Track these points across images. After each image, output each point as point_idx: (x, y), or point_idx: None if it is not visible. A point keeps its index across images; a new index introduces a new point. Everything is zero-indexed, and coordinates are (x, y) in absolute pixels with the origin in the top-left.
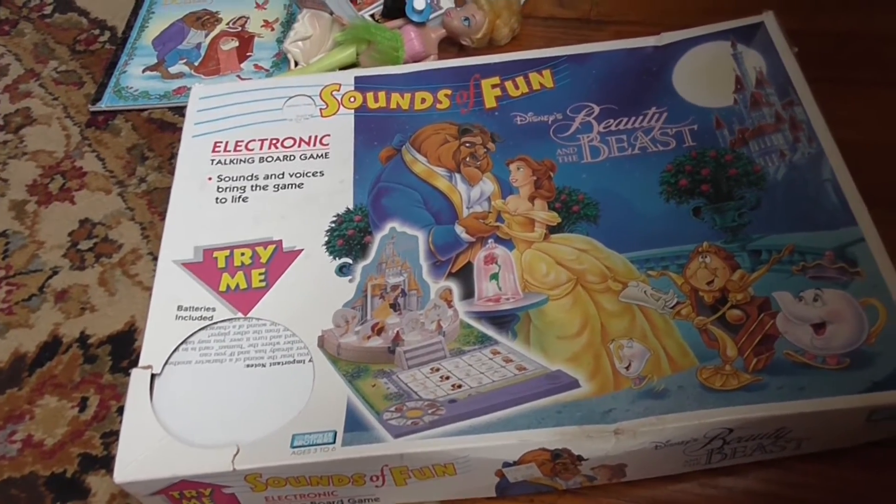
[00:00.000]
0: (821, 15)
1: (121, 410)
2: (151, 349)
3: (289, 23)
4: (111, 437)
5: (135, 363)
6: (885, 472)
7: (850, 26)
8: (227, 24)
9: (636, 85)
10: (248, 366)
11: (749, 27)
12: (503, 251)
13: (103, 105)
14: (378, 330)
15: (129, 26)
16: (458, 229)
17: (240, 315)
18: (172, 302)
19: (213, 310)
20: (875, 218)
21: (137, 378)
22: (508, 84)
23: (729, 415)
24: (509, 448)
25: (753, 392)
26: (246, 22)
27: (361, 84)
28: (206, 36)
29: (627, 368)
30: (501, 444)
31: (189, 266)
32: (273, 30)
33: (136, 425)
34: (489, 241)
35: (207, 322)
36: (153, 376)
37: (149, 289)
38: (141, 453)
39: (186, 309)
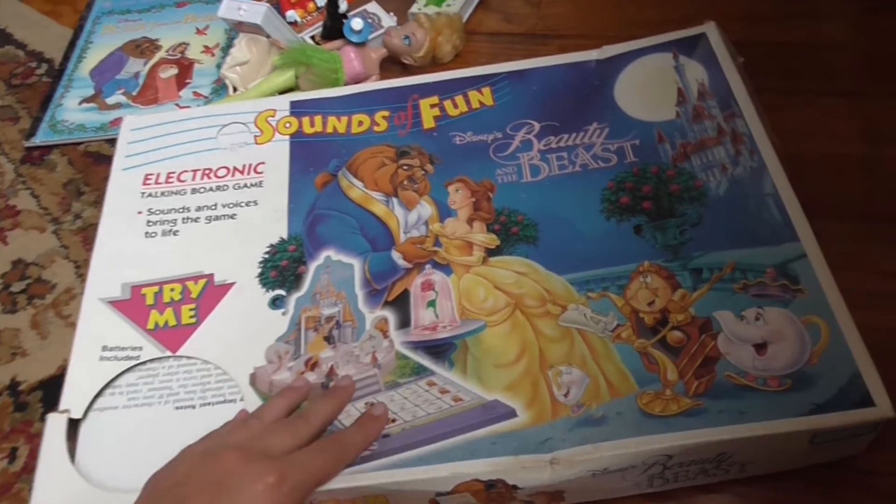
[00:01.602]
0: (765, 24)
1: None
2: (73, 393)
3: (229, 48)
4: None
5: None
6: (834, 492)
7: (795, 36)
8: (167, 51)
9: (577, 100)
10: (177, 408)
11: (691, 38)
12: (441, 277)
13: (38, 140)
14: (312, 365)
15: (66, 58)
16: (395, 255)
17: (168, 353)
18: (97, 342)
19: (141, 349)
20: (819, 228)
21: (53, 423)
22: (447, 103)
23: (667, 441)
24: (441, 480)
25: (693, 417)
26: (186, 48)
27: (297, 108)
28: (146, 64)
29: (566, 395)
30: (433, 476)
31: (116, 304)
32: (213, 55)
33: (51, 474)
34: (426, 266)
35: (134, 362)
36: (75, 421)
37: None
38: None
39: (112, 349)
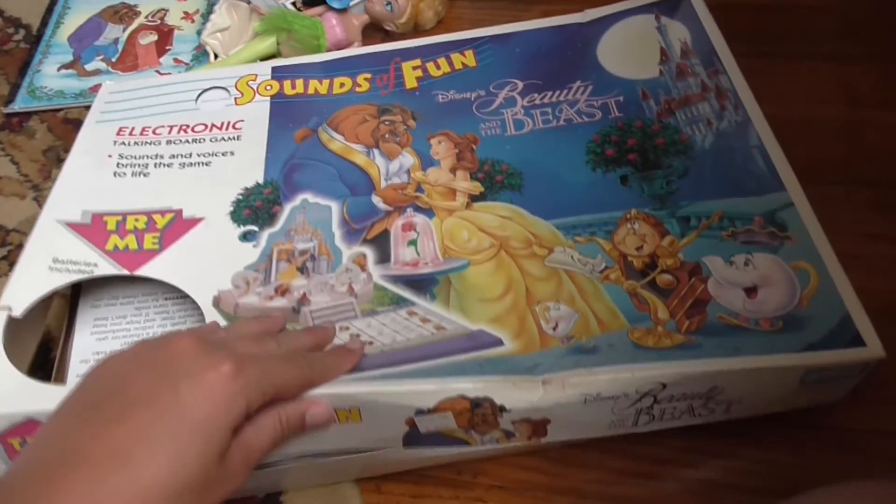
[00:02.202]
0: None
1: None
2: (15, 292)
3: (209, 14)
4: None
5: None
6: (806, 449)
7: None
8: (146, 17)
9: (560, 61)
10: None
11: (672, 0)
12: (422, 219)
13: (17, 107)
14: (282, 291)
15: (44, 23)
16: (376, 199)
17: (125, 272)
18: (47, 255)
19: (95, 265)
20: None
21: None
22: (430, 65)
23: (663, 369)
24: (425, 394)
25: (687, 350)
26: (165, 15)
27: (279, 73)
28: (124, 30)
29: (555, 329)
30: (417, 389)
31: (74, 226)
32: (193, 21)
33: None
34: (408, 210)
35: (86, 276)
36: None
37: (65, 296)
38: None
39: (63, 262)
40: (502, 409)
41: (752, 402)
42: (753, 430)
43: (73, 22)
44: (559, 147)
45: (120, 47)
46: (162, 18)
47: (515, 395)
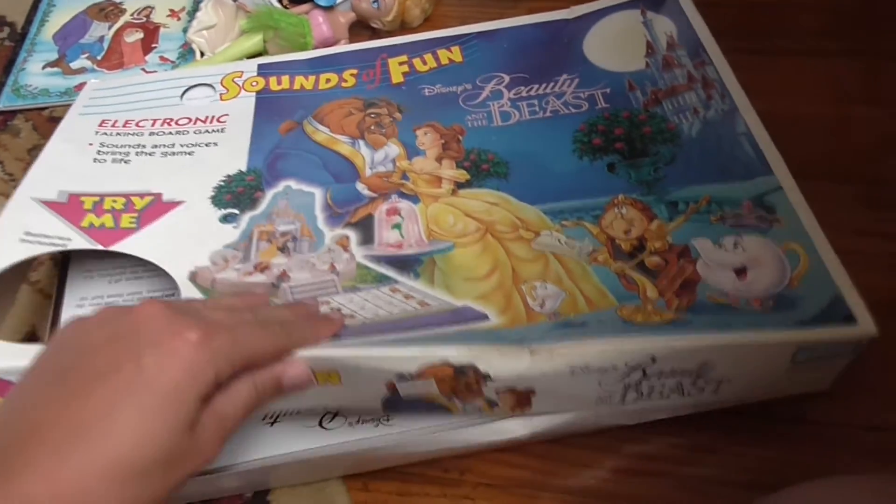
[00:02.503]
0: None
1: None
2: None
3: (195, 12)
4: None
5: None
6: (790, 444)
7: None
8: (132, 14)
9: (547, 55)
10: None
11: None
12: (407, 204)
13: (1, 105)
14: (262, 268)
15: (28, 21)
16: (360, 186)
17: (100, 247)
18: (20, 228)
19: (69, 240)
20: None
21: None
22: (416, 61)
23: (653, 342)
24: (408, 360)
25: (677, 326)
26: (151, 12)
27: (265, 70)
28: (110, 28)
29: (542, 306)
30: (400, 354)
31: (49, 204)
32: (179, 19)
33: None
34: (393, 196)
35: (58, 248)
36: None
37: (49, 296)
38: None
39: (35, 235)
40: (487, 377)
41: (743, 382)
42: (741, 425)
43: (58, 20)
44: (546, 136)
45: (105, 45)
46: (148, 16)
47: (501, 363)
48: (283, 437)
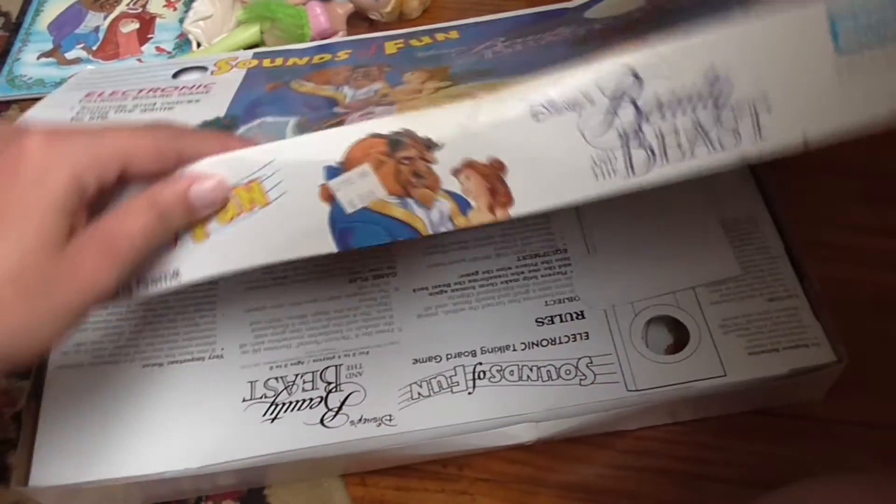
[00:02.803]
0: None
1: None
2: None
3: (191, 2)
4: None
5: None
6: (793, 441)
7: None
8: (127, 5)
9: (546, 22)
10: None
11: None
12: (383, 109)
13: None
14: None
15: (23, 11)
16: (336, 109)
17: None
18: None
19: None
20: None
21: None
22: (412, 41)
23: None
24: (329, 139)
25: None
26: (147, 2)
27: (259, 56)
28: (105, 18)
29: None
30: (318, 136)
31: None
32: (175, 10)
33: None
34: (368, 108)
35: None
36: None
37: None
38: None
39: None
40: (430, 144)
41: (785, 107)
42: (740, 423)
43: (52, 9)
44: (539, 54)
45: (101, 35)
46: (143, 6)
47: (439, 118)
48: (283, 435)
